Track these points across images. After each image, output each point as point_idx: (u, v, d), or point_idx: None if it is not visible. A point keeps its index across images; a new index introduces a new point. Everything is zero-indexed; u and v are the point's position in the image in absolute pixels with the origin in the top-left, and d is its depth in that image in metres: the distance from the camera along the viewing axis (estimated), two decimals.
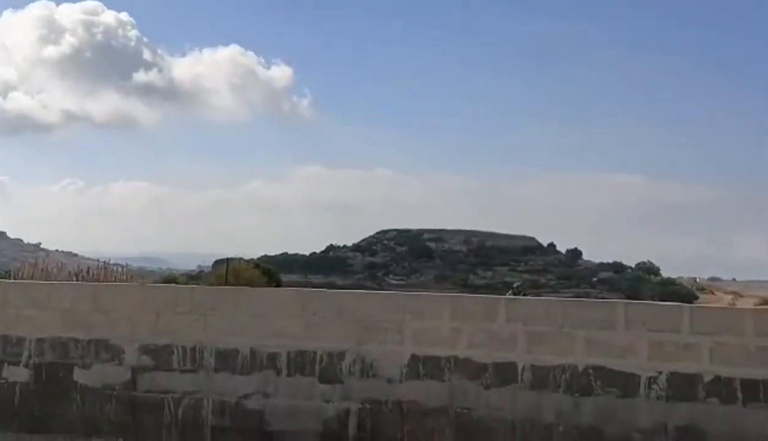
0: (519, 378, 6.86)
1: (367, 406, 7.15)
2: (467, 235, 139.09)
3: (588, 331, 6.76)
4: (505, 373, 6.90)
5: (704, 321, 6.55)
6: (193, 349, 7.44)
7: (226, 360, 7.40)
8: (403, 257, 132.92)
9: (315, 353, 7.29)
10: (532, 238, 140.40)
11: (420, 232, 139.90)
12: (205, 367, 7.44)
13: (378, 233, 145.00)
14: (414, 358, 7.10)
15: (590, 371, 6.72)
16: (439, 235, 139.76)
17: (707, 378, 6.48)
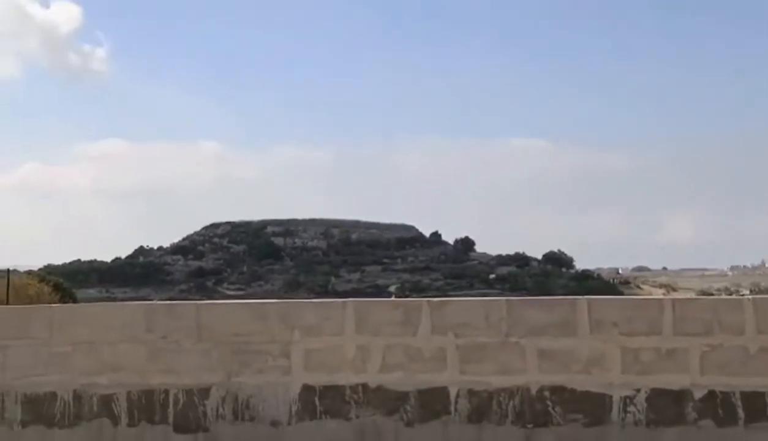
0: (452, 408, 6.77)
1: None
2: (326, 226, 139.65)
3: (541, 339, 6.72)
4: (432, 403, 6.79)
5: (692, 318, 6.62)
6: None
7: (39, 408, 7.00)
8: (242, 259, 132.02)
9: (167, 392, 7.00)
10: (411, 227, 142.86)
11: (262, 225, 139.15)
12: (6, 420, 7.01)
13: (206, 228, 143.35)
14: (307, 389, 6.90)
15: (546, 394, 6.70)
16: (287, 227, 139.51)
17: (698, 394, 6.56)
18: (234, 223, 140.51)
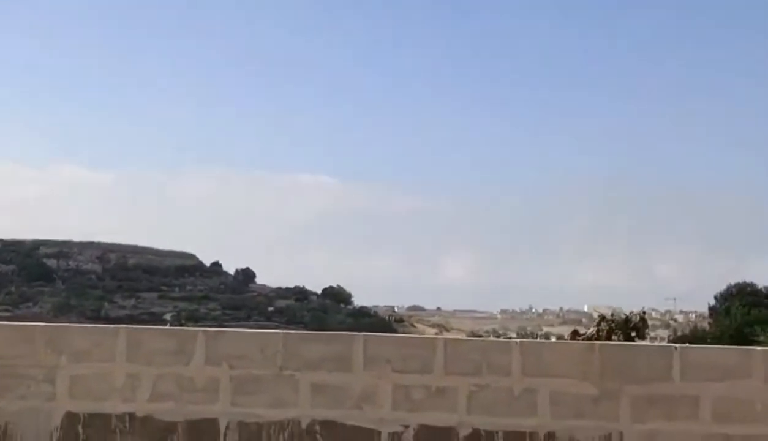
0: (221, 440, 6.66)
1: None
2: (102, 250, 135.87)
3: (316, 374, 6.72)
4: (201, 434, 6.65)
5: (462, 358, 6.76)
6: None
7: None
8: (10, 279, 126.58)
9: None
10: (191, 255, 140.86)
11: (35, 245, 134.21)
12: None
13: None
14: (71, 417, 6.64)
15: (317, 428, 6.68)
16: (62, 248, 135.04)
17: (464, 432, 6.70)
18: (4, 241, 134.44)
